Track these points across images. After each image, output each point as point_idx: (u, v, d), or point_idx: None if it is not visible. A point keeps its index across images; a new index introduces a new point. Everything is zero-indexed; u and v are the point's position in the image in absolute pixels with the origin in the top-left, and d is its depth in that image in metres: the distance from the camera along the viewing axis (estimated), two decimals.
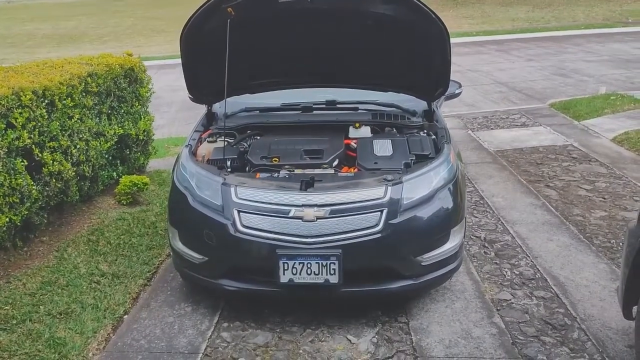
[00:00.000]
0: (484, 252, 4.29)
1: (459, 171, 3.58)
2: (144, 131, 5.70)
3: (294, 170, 3.54)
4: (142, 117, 5.76)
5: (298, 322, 3.40)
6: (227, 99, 4.14)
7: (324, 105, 4.32)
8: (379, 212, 3.15)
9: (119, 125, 5.24)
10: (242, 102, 4.35)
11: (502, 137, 7.61)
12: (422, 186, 3.31)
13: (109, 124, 5.06)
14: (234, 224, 3.18)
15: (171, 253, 3.67)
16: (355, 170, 3.59)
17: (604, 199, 5.26)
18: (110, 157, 5.22)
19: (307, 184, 3.28)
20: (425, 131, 4.04)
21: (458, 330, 3.29)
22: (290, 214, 3.13)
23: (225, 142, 3.89)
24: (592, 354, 3.06)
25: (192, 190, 3.42)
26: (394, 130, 4.09)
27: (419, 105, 4.27)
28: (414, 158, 3.61)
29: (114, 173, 5.31)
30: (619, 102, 8.77)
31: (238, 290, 3.31)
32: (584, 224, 4.73)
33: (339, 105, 4.31)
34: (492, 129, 8.12)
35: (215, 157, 3.72)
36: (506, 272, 3.98)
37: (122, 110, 5.34)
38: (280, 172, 3.51)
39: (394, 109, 4.27)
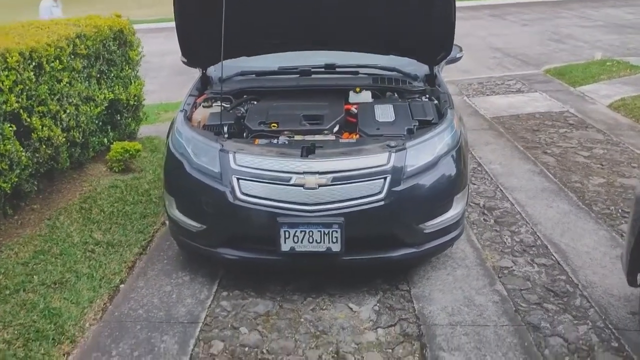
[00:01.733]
0: (484, 219, 4.25)
1: (463, 137, 3.50)
2: (134, 96, 5.54)
3: (293, 137, 3.43)
4: (133, 81, 5.59)
5: (299, 291, 3.35)
6: (223, 62, 4.02)
7: (322, 69, 4.17)
8: (382, 180, 3.07)
9: (109, 89, 5.07)
10: (238, 65, 4.19)
11: (498, 103, 7.54)
12: (426, 153, 3.23)
13: (98, 88, 4.89)
14: (232, 192, 3.09)
15: (167, 221, 3.58)
16: (357, 136, 3.50)
17: (602, 165, 5.23)
18: (100, 123, 5.08)
19: (308, 151, 3.18)
20: (427, 96, 3.93)
21: (460, 298, 3.26)
22: (291, 182, 3.04)
23: (222, 107, 3.77)
24: (595, 320, 3.05)
25: (188, 156, 3.30)
26: (396, 95, 3.97)
27: (421, 69, 4.14)
28: (416, 124, 3.51)
29: (105, 139, 5.17)
30: (615, 68, 8.70)
31: (238, 259, 3.25)
32: (583, 190, 4.70)
33: (338, 69, 4.17)
34: (487, 95, 8.03)
35: (212, 122, 3.60)
36: (506, 239, 3.95)
37: (112, 74, 5.17)
38: (280, 138, 3.41)
39: (395, 73, 4.14)
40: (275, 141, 3.36)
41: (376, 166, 3.09)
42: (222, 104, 3.78)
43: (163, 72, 10.13)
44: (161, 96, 8.43)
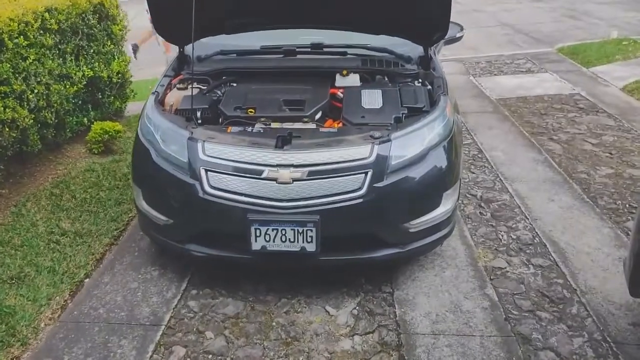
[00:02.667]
0: (480, 212, 3.98)
1: (456, 127, 3.21)
2: (117, 73, 5.26)
3: (270, 124, 3.16)
4: (116, 57, 5.31)
5: (273, 290, 3.12)
6: (201, 40, 3.74)
7: (308, 49, 3.86)
8: (363, 174, 2.80)
9: (88, 66, 4.79)
10: (218, 43, 3.89)
11: (506, 84, 7.20)
12: (414, 144, 2.94)
13: (76, 65, 4.62)
14: (201, 184, 2.84)
15: (137, 213, 3.34)
16: (340, 124, 3.21)
17: (611, 154, 4.91)
18: (79, 102, 4.81)
19: (284, 141, 2.91)
20: (420, 80, 3.62)
21: (447, 303, 3.01)
22: (264, 175, 2.78)
23: (197, 90, 3.49)
24: (592, 332, 2.79)
25: (156, 144, 3.05)
26: (386, 79, 3.66)
27: (415, 50, 3.82)
28: (405, 112, 3.21)
29: (85, 119, 4.91)
30: (631, 47, 8.28)
31: (207, 257, 3.01)
32: (589, 182, 4.40)
33: (325, 49, 3.85)
34: (495, 74, 7.70)
35: (184, 106, 3.32)
36: (502, 235, 3.68)
37: (92, 50, 4.88)
38: (255, 125, 3.13)
39: (386, 54, 3.81)
40: (249, 129, 3.09)
41: (356, 159, 2.81)
42: (194, 86, 3.50)
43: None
44: (154, 71, 8.07)
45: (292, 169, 2.78)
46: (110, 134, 4.70)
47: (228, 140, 2.94)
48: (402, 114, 3.19)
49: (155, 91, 3.47)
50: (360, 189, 2.79)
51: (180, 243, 3.04)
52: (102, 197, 4.05)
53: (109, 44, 5.13)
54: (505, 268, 3.33)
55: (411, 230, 2.95)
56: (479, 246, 3.56)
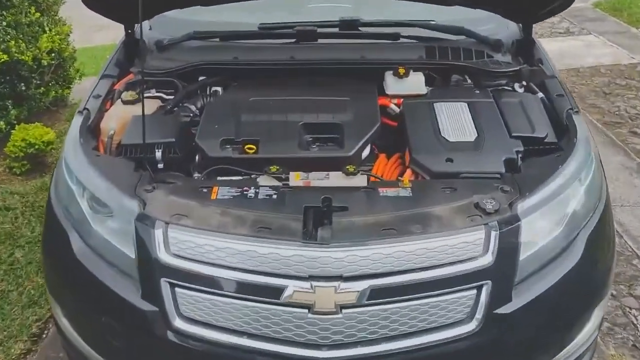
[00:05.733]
0: None
1: (602, 174, 1.87)
2: (50, 52, 3.76)
3: (287, 176, 1.74)
4: (48, 29, 3.79)
5: None
6: (164, 15, 2.34)
7: (336, 30, 2.37)
8: (474, 291, 1.47)
9: (0, 47, 3.30)
10: (190, 20, 2.42)
11: (548, 49, 5.79)
12: (551, 219, 1.61)
13: None
14: (163, 313, 1.48)
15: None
16: (410, 177, 1.81)
17: None
18: None
19: (318, 219, 1.54)
20: (523, 83, 2.19)
21: None
22: (284, 297, 1.43)
23: (154, 103, 2.08)
24: None
25: (80, 222, 1.66)
26: (468, 81, 2.23)
27: (505, 29, 2.40)
28: (520, 148, 1.82)
29: (2, 122, 3.44)
30: None
31: None
32: None
33: (363, 30, 2.37)
34: None
35: (131, 140, 1.88)
36: (632, 313, 2.43)
37: (4, 23, 3.36)
38: (259, 180, 1.73)
39: (462, 37, 2.35)
40: (251, 191, 1.67)
41: (461, 261, 1.47)
42: (150, 96, 2.07)
43: None
44: (118, 33, 6.51)
45: (340, 284, 1.42)
46: (36, 146, 3.24)
47: (212, 221, 1.54)
48: (516, 152, 1.81)
49: (84, 108, 2.01)
50: (469, 319, 1.47)
51: None
52: (17, 260, 2.64)
53: (33, 11, 3.60)
54: None
55: None
56: (608, 341, 2.29)
